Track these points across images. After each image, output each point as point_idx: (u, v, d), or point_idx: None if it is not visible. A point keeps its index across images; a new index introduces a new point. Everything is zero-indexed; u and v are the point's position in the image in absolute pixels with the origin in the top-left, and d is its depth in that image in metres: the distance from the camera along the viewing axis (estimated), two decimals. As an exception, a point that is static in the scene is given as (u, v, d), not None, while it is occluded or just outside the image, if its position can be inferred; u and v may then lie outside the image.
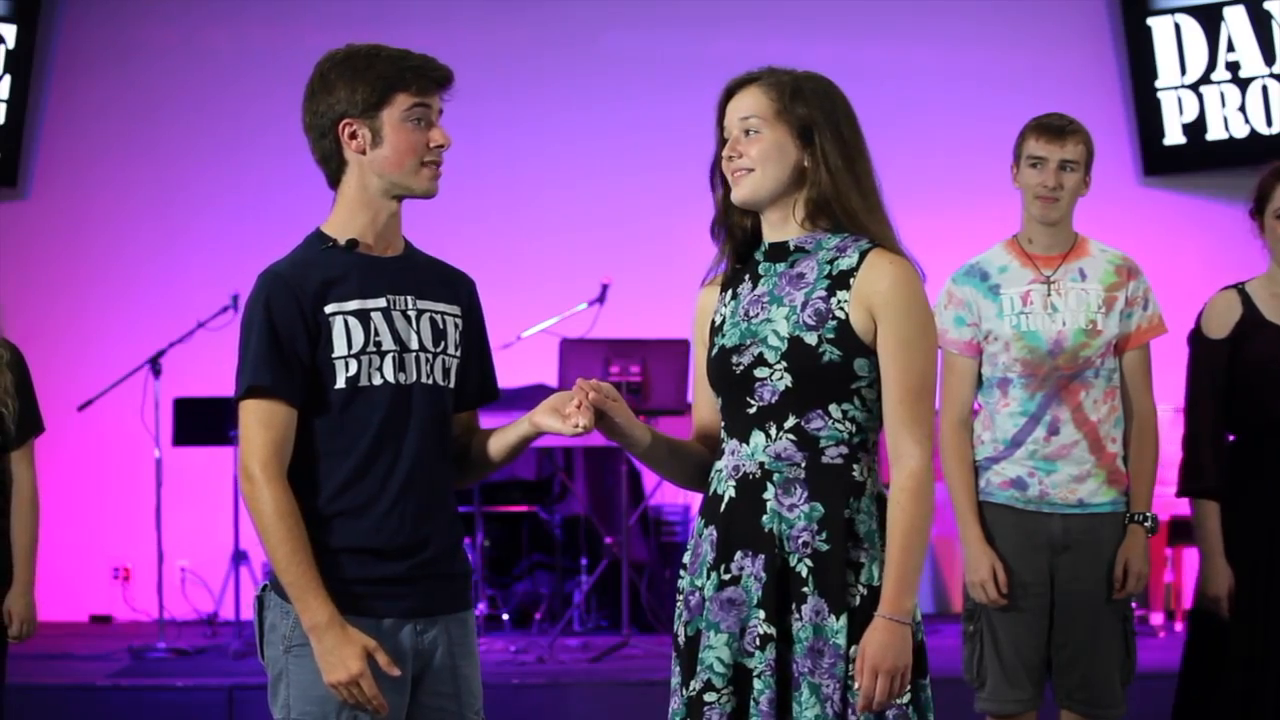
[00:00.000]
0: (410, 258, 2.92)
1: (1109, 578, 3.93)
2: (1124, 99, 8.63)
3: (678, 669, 2.78)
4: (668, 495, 7.91)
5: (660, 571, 7.68)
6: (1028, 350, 3.92)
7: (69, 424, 7.36)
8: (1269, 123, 8.33)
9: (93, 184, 8.58)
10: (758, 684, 2.68)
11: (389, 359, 2.81)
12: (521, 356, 6.95)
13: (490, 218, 8.25)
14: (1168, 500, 7.16)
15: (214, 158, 8.57)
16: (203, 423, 7.42)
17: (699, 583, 2.77)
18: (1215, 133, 8.44)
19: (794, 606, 2.69)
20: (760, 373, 2.73)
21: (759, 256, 2.82)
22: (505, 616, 7.60)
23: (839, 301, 2.71)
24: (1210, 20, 8.40)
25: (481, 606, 7.12)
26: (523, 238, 8.38)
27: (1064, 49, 8.66)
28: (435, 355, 2.86)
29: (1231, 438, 4.08)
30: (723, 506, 2.75)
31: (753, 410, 2.73)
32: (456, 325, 2.90)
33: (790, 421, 2.71)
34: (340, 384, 2.79)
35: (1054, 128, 3.96)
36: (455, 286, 2.94)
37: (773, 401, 2.72)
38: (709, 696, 2.70)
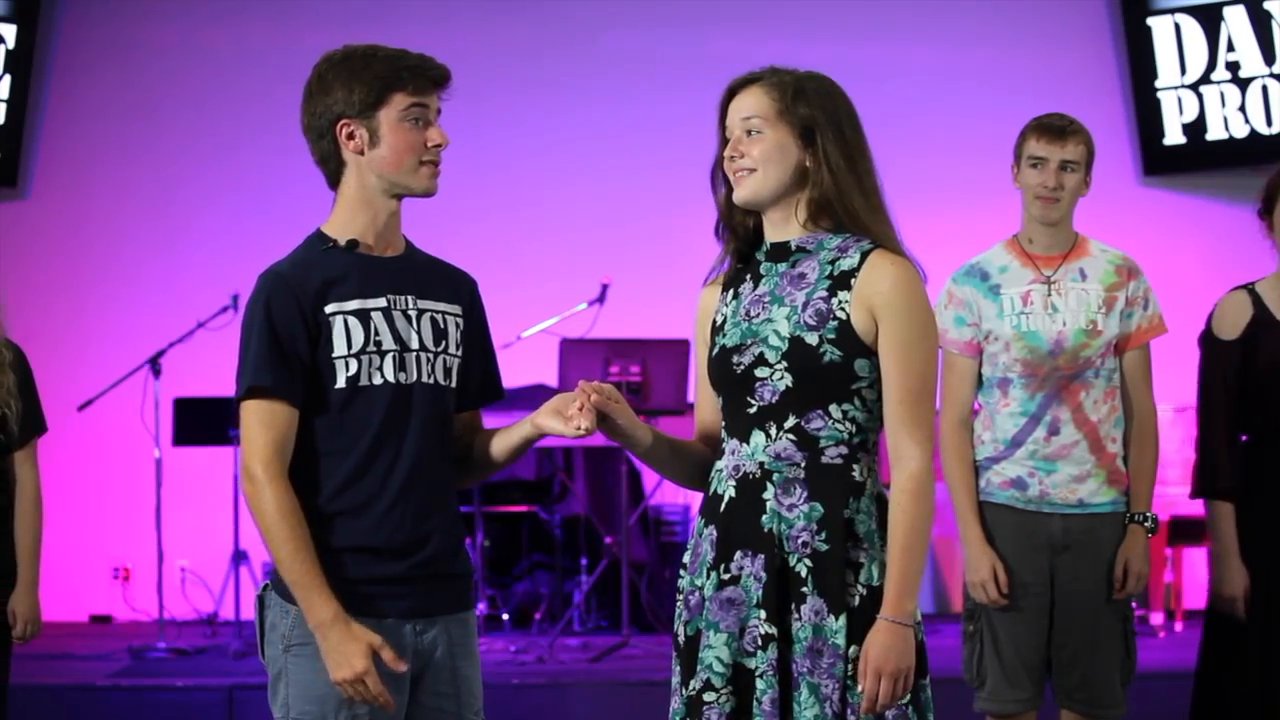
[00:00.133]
0: (411, 257, 2.92)
1: (1109, 578, 3.93)
2: (1124, 99, 8.63)
3: (678, 669, 2.78)
4: (668, 495, 7.91)
5: (660, 571, 7.68)
6: (1028, 350, 3.92)
7: (69, 424, 7.35)
8: (1269, 123, 8.33)
9: (93, 184, 8.58)
10: (760, 684, 2.68)
11: (389, 358, 2.81)
12: (521, 356, 6.94)
13: (490, 217, 8.25)
14: (1167, 500, 7.20)
15: (214, 158, 8.57)
16: (203, 423, 7.42)
17: (699, 582, 2.77)
18: (1215, 133, 8.43)
19: (793, 606, 2.69)
20: (761, 372, 2.73)
21: (760, 256, 2.82)
22: (505, 616, 7.60)
23: (840, 302, 2.71)
24: (1210, 20, 8.40)
25: (481, 606, 7.13)
26: (523, 238, 8.38)
27: (1064, 49, 8.66)
28: (436, 355, 2.86)
29: (1244, 438, 4.07)
30: (723, 506, 2.75)
31: (753, 410, 2.73)
32: (458, 324, 2.90)
33: (790, 421, 2.71)
34: (340, 384, 2.79)
35: (1054, 128, 3.96)
36: (456, 285, 2.95)
37: (773, 401, 2.72)
38: (708, 696, 2.70)
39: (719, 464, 2.80)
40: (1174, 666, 6.46)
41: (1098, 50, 8.68)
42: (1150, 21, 8.50)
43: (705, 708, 2.70)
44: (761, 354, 2.73)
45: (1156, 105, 8.50)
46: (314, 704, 2.79)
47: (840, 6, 8.67)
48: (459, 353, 2.90)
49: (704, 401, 2.91)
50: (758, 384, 2.73)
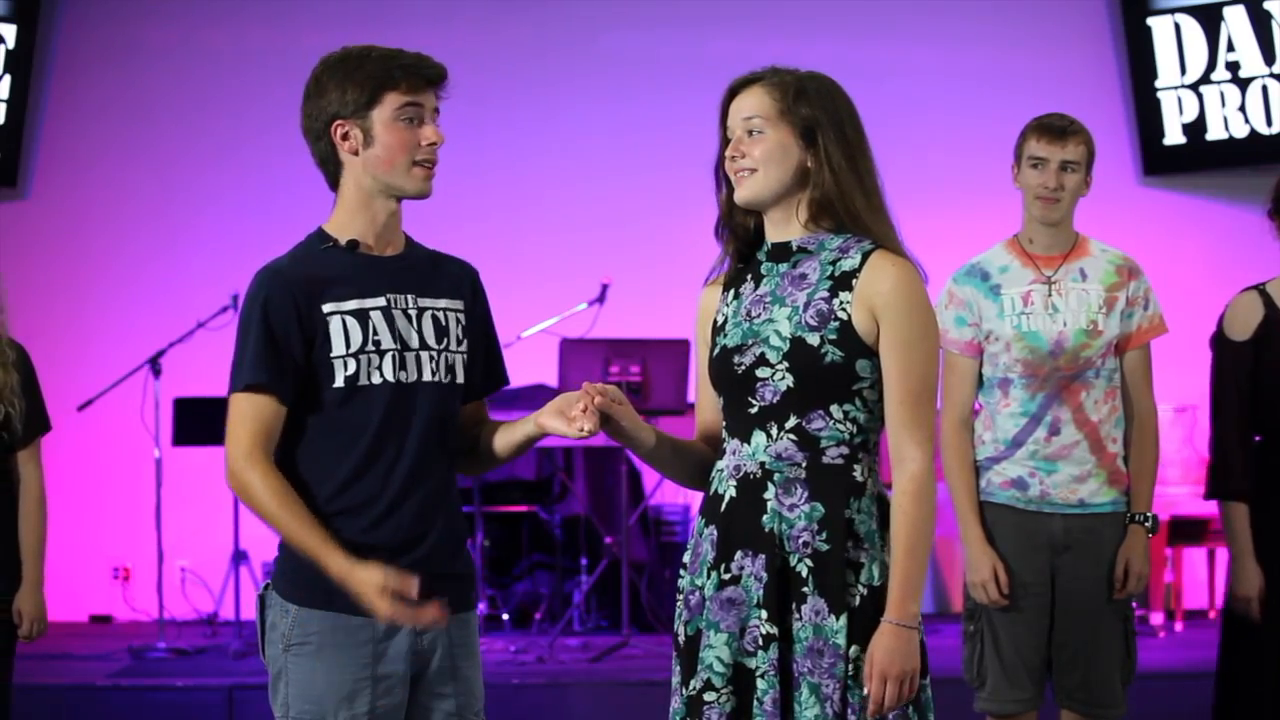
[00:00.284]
0: (411, 255, 2.91)
1: (1109, 578, 3.93)
2: (1124, 99, 8.63)
3: (678, 668, 2.78)
4: (668, 495, 7.92)
5: (660, 571, 7.68)
6: (1029, 350, 3.92)
7: (69, 424, 7.34)
8: (1269, 123, 8.33)
9: (93, 184, 8.58)
10: (761, 684, 2.68)
11: (388, 358, 2.81)
12: (521, 356, 6.93)
13: (490, 217, 8.25)
14: (1168, 500, 7.20)
15: (214, 158, 8.57)
16: (203, 423, 7.40)
17: (699, 582, 2.77)
18: (1215, 133, 8.43)
19: (794, 606, 2.69)
20: (762, 373, 2.73)
21: (761, 256, 2.82)
22: (505, 616, 7.60)
23: (841, 302, 2.71)
24: (1210, 20, 8.40)
25: (481, 606, 7.12)
26: (523, 238, 8.37)
27: (1064, 49, 8.66)
28: (439, 352, 2.86)
29: (1257, 439, 4.07)
30: (723, 506, 2.75)
31: (754, 410, 2.73)
32: (459, 319, 2.90)
33: (791, 421, 2.71)
34: (339, 383, 2.79)
35: (1055, 128, 3.96)
36: (457, 279, 2.94)
37: (774, 401, 2.72)
38: (709, 696, 2.70)
39: (719, 464, 2.80)
40: (1174, 666, 6.48)
41: (1098, 50, 8.68)
42: (1150, 21, 8.50)
43: (706, 707, 2.70)
44: (763, 354, 2.73)
45: (1156, 105, 8.50)
46: (313, 703, 2.79)
47: (840, 6, 8.67)
48: (462, 348, 2.89)
49: (704, 401, 2.91)
50: (759, 384, 2.73)
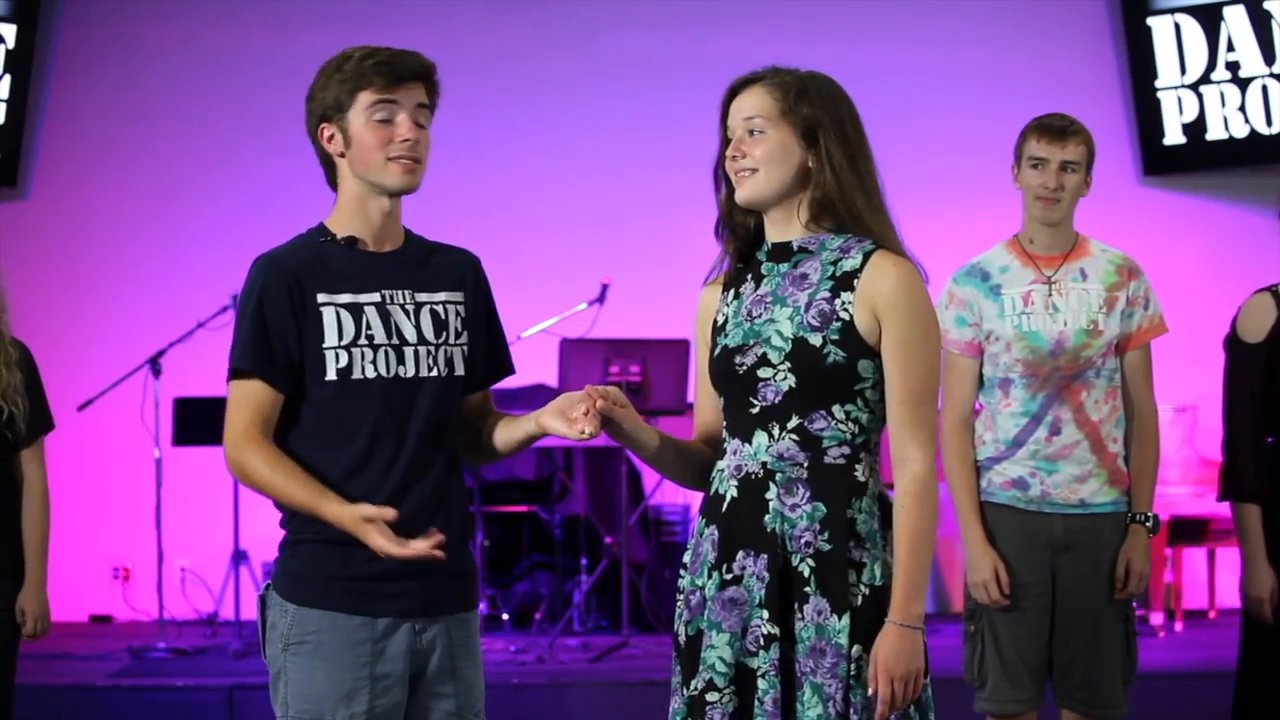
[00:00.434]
0: (409, 250, 2.92)
1: (1110, 578, 3.93)
2: (1124, 99, 8.63)
3: (678, 668, 2.78)
4: (668, 495, 7.91)
5: (660, 571, 7.68)
6: (1029, 350, 3.92)
7: (69, 424, 7.33)
8: (1269, 123, 8.33)
9: (93, 184, 8.58)
10: (762, 684, 2.68)
11: (382, 353, 2.82)
12: (521, 356, 6.89)
13: (490, 217, 8.25)
14: (1168, 500, 7.20)
15: (214, 158, 8.57)
16: (203, 423, 7.39)
17: (700, 582, 2.77)
18: (1215, 133, 8.43)
19: (796, 606, 2.69)
20: (764, 373, 2.73)
21: (762, 256, 2.82)
22: (505, 616, 7.60)
23: (843, 303, 2.71)
24: (1210, 20, 8.40)
25: (481, 606, 7.11)
26: (523, 238, 8.37)
27: (1064, 49, 8.65)
28: (437, 347, 2.86)
29: (1270, 440, 4.06)
30: (724, 506, 2.75)
31: (755, 410, 2.73)
32: (459, 312, 2.90)
33: (793, 422, 2.71)
34: (331, 375, 2.80)
35: (1055, 128, 3.96)
36: (457, 269, 2.94)
37: (776, 401, 2.72)
38: (711, 696, 2.70)
39: (720, 464, 2.80)
40: (1174, 666, 6.48)
41: (1098, 50, 8.68)
42: (1150, 21, 8.50)
43: (708, 708, 2.70)
44: (764, 354, 2.73)
45: (1156, 105, 8.50)
46: (312, 702, 2.80)
47: (840, 6, 8.67)
48: (461, 340, 2.89)
49: (704, 401, 2.91)
50: (760, 384, 2.73)
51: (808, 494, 2.70)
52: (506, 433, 2.93)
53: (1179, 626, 7.54)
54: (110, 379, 7.40)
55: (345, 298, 2.82)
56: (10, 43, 8.28)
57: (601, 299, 7.44)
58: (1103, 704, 3.94)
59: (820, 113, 2.74)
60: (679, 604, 2.80)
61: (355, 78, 2.81)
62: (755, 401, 2.73)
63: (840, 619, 2.67)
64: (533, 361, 7.22)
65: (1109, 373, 3.96)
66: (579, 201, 8.53)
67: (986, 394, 4.00)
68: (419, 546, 2.69)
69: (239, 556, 7.51)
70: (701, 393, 2.91)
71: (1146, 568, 3.95)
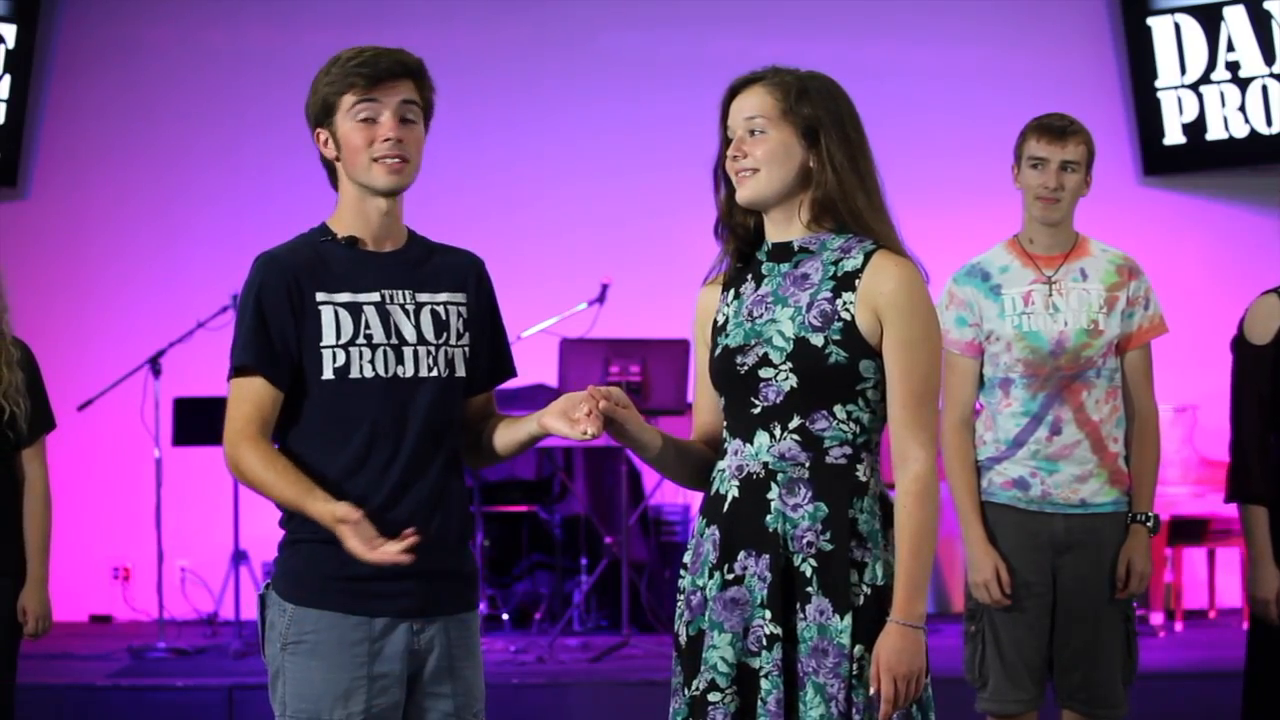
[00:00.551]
0: (411, 250, 2.92)
1: (1111, 578, 3.93)
2: (1124, 99, 8.63)
3: (679, 669, 2.78)
4: (668, 495, 7.91)
5: (660, 571, 7.68)
6: (1029, 350, 3.92)
7: (69, 424, 7.33)
8: (1269, 123, 8.33)
9: (93, 184, 8.58)
10: (765, 684, 2.68)
11: (380, 352, 2.82)
12: (521, 356, 6.88)
13: (490, 217, 8.25)
14: (1168, 500, 7.21)
15: (214, 158, 8.57)
16: (203, 423, 7.39)
17: (701, 582, 2.77)
18: (1215, 133, 8.43)
19: (798, 606, 2.69)
20: (765, 373, 2.73)
21: (762, 256, 2.82)
22: (505, 616, 7.60)
23: (845, 303, 2.71)
24: (1210, 20, 8.40)
25: (481, 606, 7.10)
26: (523, 238, 8.37)
27: (1064, 49, 8.65)
28: (438, 347, 2.86)
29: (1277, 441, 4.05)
30: (725, 506, 2.75)
31: (757, 410, 2.73)
32: (460, 313, 2.90)
33: (795, 422, 2.71)
34: (328, 374, 2.80)
35: (1055, 128, 3.96)
36: (460, 272, 2.94)
37: (777, 402, 2.72)
38: (713, 696, 2.70)
39: (721, 464, 2.80)
40: (1174, 666, 6.48)
41: (1098, 50, 8.68)
42: (1150, 21, 8.50)
43: (710, 708, 2.70)
44: (766, 354, 2.73)
45: (1156, 105, 8.50)
46: (309, 702, 2.80)
47: (840, 6, 8.67)
48: (463, 341, 2.89)
49: (703, 402, 2.91)
50: (762, 384, 2.73)
51: (809, 494, 2.70)
52: (508, 434, 2.93)
53: (1179, 626, 7.54)
54: (110, 379, 7.40)
55: (344, 297, 2.83)
56: (10, 43, 8.28)
57: (601, 299, 7.44)
58: (1103, 704, 3.94)
59: (821, 113, 2.74)
60: (679, 604, 2.80)
61: (337, 81, 2.82)
62: (757, 402, 2.73)
63: (842, 619, 2.67)
64: (533, 361, 7.22)
65: (1109, 373, 3.96)
66: (579, 201, 8.53)
67: (987, 394, 4.00)
68: (388, 551, 2.67)
69: (239, 556, 7.51)
70: (701, 393, 2.91)
71: (1147, 568, 3.95)
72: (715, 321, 2.84)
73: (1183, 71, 8.46)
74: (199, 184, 8.56)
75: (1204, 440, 7.57)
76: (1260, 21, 8.32)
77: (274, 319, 2.80)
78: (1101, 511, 3.94)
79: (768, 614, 2.68)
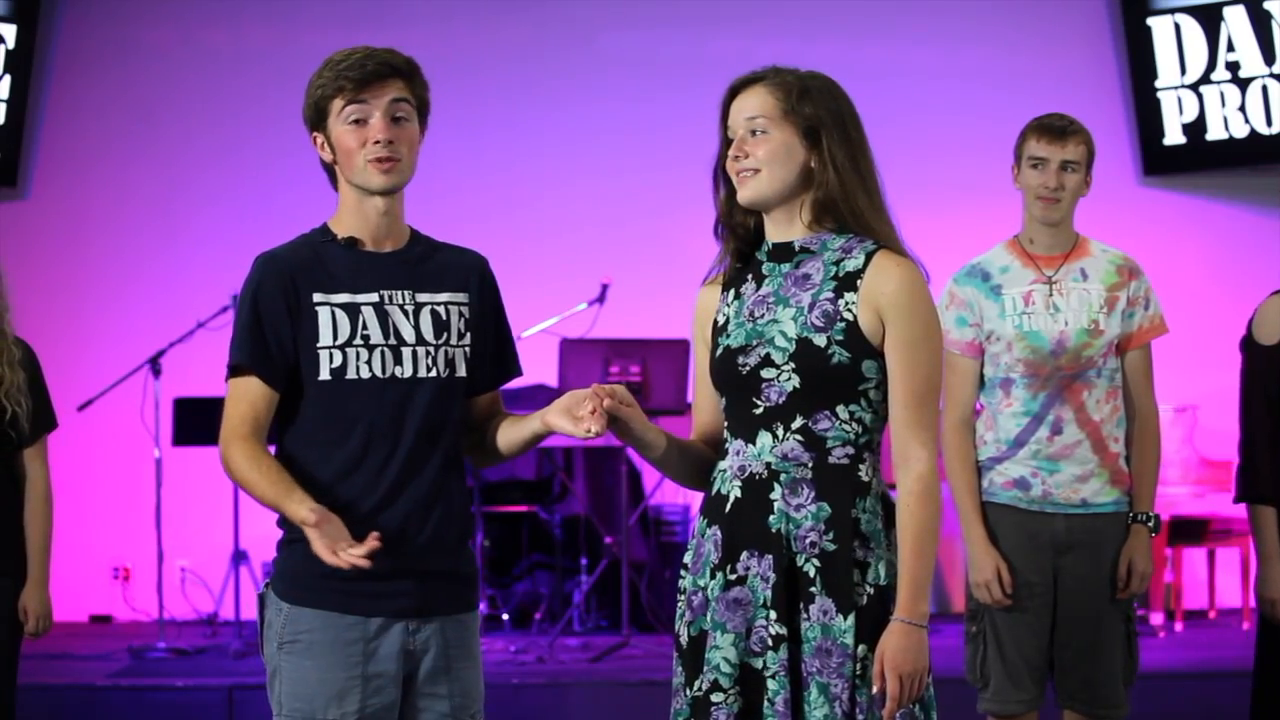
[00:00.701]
0: (412, 250, 2.91)
1: (1112, 578, 3.93)
2: (1124, 99, 8.63)
3: (680, 669, 2.78)
4: (668, 495, 7.91)
5: (660, 571, 7.68)
6: (1030, 350, 3.92)
7: (69, 424, 7.32)
8: (1269, 123, 8.33)
9: (93, 184, 8.58)
10: (772, 684, 2.68)
11: (377, 353, 2.82)
12: (521, 356, 6.91)
13: (490, 217, 8.24)
14: (1168, 500, 7.21)
15: (214, 158, 8.56)
16: (203, 423, 7.39)
17: (702, 582, 2.77)
18: (1215, 133, 8.43)
19: (802, 606, 2.69)
20: (767, 373, 2.73)
21: (762, 256, 2.82)
22: (505, 616, 7.60)
23: (847, 303, 2.71)
24: (1210, 20, 8.40)
25: (481, 606, 7.10)
26: (523, 238, 8.36)
27: (1064, 49, 8.65)
28: (437, 348, 2.86)
29: None
30: (728, 507, 2.75)
31: (759, 411, 2.73)
32: (461, 313, 2.90)
33: (798, 422, 2.71)
34: (325, 375, 2.81)
35: (1055, 128, 3.96)
36: (463, 272, 2.94)
37: (780, 402, 2.72)
38: (715, 697, 2.70)
39: (722, 464, 2.80)
40: (1174, 666, 6.48)
41: (1098, 50, 8.68)
42: (1150, 21, 8.50)
43: (713, 708, 2.70)
44: (768, 355, 2.73)
45: (1156, 105, 8.50)
46: (303, 701, 2.81)
47: (840, 6, 8.67)
48: (464, 341, 2.89)
49: (703, 402, 2.90)
50: (764, 385, 2.73)
51: (812, 494, 2.70)
52: (511, 433, 2.93)
53: (1179, 626, 7.54)
54: (110, 379, 7.40)
55: (342, 298, 2.83)
56: (10, 43, 8.28)
57: (601, 299, 7.44)
58: (1104, 704, 3.93)
59: (823, 113, 2.74)
60: (680, 604, 2.80)
61: (327, 85, 2.83)
62: (759, 402, 2.73)
63: (845, 619, 2.67)
64: (533, 361, 7.18)
65: (1110, 373, 3.96)
66: (579, 201, 8.53)
67: (987, 394, 4.00)
68: (348, 556, 2.65)
69: (239, 556, 7.51)
70: (700, 393, 2.91)
71: (1149, 568, 3.94)
72: (715, 322, 2.84)
73: (1183, 71, 8.46)
74: (199, 184, 8.56)
75: (1204, 440, 7.57)
76: (1260, 21, 8.32)
77: (269, 319, 2.81)
78: (1102, 511, 3.94)
79: (772, 614, 2.68)
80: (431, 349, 2.85)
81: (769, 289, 2.78)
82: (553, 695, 6.14)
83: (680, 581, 2.82)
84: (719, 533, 2.75)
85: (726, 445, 2.79)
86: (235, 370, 2.83)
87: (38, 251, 8.33)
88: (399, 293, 2.86)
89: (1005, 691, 3.93)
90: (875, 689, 2.65)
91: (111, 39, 8.59)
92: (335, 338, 2.81)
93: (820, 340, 2.70)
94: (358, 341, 2.81)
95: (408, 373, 2.83)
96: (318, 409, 2.82)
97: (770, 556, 2.70)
